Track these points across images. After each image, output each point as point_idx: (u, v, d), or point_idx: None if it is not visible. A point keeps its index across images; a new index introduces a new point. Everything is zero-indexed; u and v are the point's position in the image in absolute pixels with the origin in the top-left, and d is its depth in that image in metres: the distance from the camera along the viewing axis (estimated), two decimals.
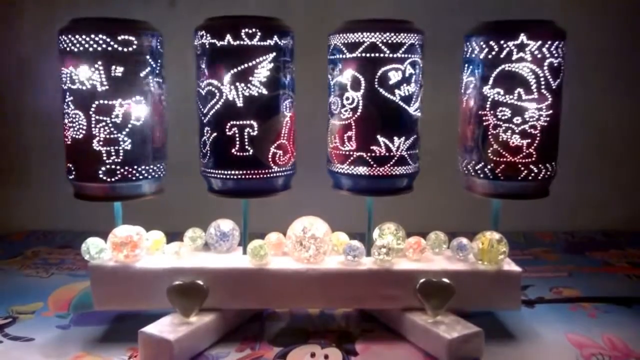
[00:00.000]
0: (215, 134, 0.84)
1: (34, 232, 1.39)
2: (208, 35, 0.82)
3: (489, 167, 0.85)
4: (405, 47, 0.83)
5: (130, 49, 0.81)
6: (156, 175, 0.87)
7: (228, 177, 0.85)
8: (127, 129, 0.83)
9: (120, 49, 0.81)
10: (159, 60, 0.86)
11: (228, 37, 0.81)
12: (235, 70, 0.82)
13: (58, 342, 0.85)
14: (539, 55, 0.82)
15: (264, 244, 0.86)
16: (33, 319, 0.93)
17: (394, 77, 0.84)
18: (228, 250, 0.91)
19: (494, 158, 0.85)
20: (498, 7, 1.19)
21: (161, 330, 0.79)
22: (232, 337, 0.86)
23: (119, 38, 0.80)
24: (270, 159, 0.85)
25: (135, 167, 0.84)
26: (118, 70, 0.81)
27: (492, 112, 0.84)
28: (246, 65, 0.81)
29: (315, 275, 0.85)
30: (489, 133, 0.84)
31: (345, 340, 0.85)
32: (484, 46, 0.83)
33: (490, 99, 0.84)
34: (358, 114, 0.85)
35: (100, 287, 0.85)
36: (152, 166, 0.86)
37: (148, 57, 0.83)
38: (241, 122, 0.83)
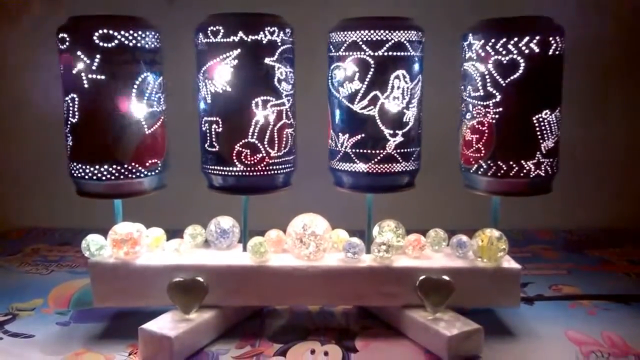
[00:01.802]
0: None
1: (34, 229, 1.39)
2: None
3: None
4: (346, 45, 0.84)
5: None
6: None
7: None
8: None
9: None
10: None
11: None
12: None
13: (58, 338, 0.85)
14: (483, 54, 0.84)
15: (264, 241, 0.86)
16: (33, 315, 0.93)
17: (339, 75, 0.85)
18: (228, 247, 0.91)
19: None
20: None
21: (161, 327, 0.79)
22: (232, 334, 0.86)
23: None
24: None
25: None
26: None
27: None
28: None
29: (315, 273, 0.85)
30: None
31: (345, 337, 0.85)
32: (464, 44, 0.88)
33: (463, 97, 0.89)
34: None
35: (100, 284, 0.85)
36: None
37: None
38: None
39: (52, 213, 1.38)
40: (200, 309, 0.83)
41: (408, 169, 0.87)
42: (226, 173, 0.85)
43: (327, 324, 0.89)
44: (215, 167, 0.86)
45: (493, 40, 0.83)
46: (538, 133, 0.84)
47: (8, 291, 1.02)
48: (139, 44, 0.82)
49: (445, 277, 0.83)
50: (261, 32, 0.82)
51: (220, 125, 0.84)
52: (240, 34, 0.81)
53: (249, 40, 0.82)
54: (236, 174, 0.85)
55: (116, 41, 0.80)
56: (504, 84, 0.83)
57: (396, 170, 0.86)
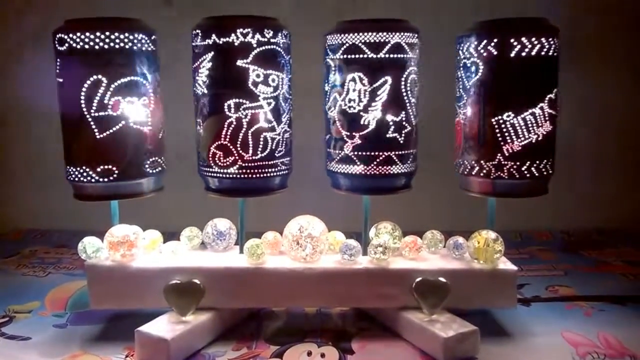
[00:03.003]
0: None
1: (31, 231, 1.39)
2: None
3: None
4: (332, 48, 0.85)
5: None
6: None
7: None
8: None
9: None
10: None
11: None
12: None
13: (55, 341, 0.85)
14: (461, 57, 0.86)
15: (261, 243, 0.86)
16: (30, 318, 0.93)
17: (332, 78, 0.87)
18: (225, 249, 0.91)
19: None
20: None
21: (158, 329, 0.79)
22: (229, 336, 0.86)
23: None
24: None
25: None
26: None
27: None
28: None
29: (311, 275, 0.85)
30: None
31: (341, 339, 0.85)
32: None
33: None
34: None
35: (97, 286, 0.85)
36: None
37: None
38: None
39: (49, 215, 1.38)
40: (197, 311, 0.83)
41: (367, 173, 0.86)
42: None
43: (323, 326, 0.89)
44: (208, 169, 0.86)
45: (467, 44, 0.86)
46: (498, 135, 0.85)
47: (5, 293, 1.02)
48: (86, 46, 0.81)
49: (442, 279, 0.84)
50: (233, 34, 0.81)
51: (201, 127, 0.86)
52: (213, 36, 0.82)
53: (221, 42, 0.82)
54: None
55: (66, 44, 0.81)
56: (468, 86, 0.86)
57: (352, 172, 0.87)
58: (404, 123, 0.86)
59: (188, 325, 0.81)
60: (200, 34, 0.83)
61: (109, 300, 0.86)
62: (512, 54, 0.82)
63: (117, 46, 0.81)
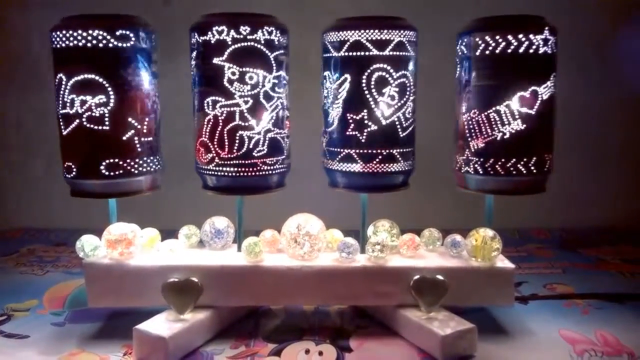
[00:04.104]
0: None
1: (29, 229, 1.39)
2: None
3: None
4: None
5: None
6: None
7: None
8: None
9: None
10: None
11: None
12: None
13: (53, 339, 0.85)
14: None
15: (259, 241, 0.86)
16: (28, 316, 0.93)
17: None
18: (223, 247, 0.91)
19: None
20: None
21: (156, 327, 0.79)
22: (227, 334, 0.86)
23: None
24: None
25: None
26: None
27: None
28: None
29: (309, 272, 0.85)
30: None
31: (339, 336, 0.85)
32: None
33: None
34: None
35: (95, 285, 0.85)
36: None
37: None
38: None
39: (47, 213, 1.38)
40: (195, 309, 0.83)
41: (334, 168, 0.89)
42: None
43: (321, 324, 0.89)
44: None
45: (459, 42, 0.88)
46: (467, 132, 0.87)
47: (3, 292, 1.02)
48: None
49: (440, 277, 0.84)
50: (209, 33, 0.82)
51: (195, 124, 0.87)
52: (195, 35, 0.84)
53: (200, 41, 0.83)
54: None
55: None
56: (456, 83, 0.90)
57: (326, 167, 0.91)
58: (365, 121, 0.85)
59: (186, 323, 0.81)
60: (190, 34, 0.85)
61: (107, 299, 0.86)
62: (477, 53, 0.84)
63: (75, 44, 0.80)
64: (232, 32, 0.81)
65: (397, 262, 0.86)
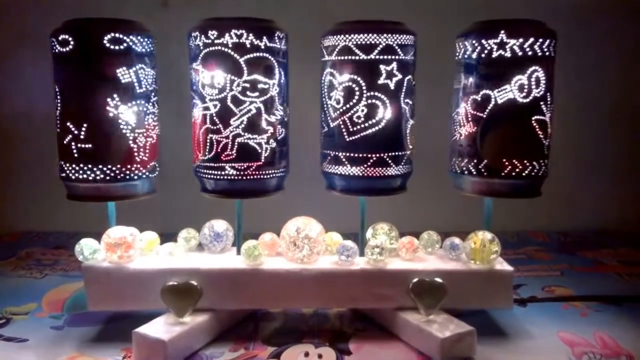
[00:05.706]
0: None
1: (28, 232, 1.39)
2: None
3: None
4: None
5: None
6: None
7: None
8: None
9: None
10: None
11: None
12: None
13: (52, 342, 0.85)
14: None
15: (258, 245, 0.86)
16: (27, 319, 0.93)
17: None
18: (222, 250, 0.91)
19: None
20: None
21: (155, 330, 0.79)
22: (226, 337, 0.86)
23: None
24: None
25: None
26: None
27: None
28: None
29: (309, 276, 0.85)
30: None
31: (338, 339, 0.85)
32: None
33: None
34: None
35: (94, 288, 0.85)
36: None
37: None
38: None
39: (46, 217, 1.38)
40: (194, 313, 0.83)
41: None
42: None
43: (320, 327, 0.89)
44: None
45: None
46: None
47: (2, 295, 1.02)
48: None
49: (438, 280, 0.84)
50: (191, 40, 0.84)
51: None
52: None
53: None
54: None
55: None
56: None
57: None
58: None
59: (185, 326, 0.81)
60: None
61: (106, 302, 0.86)
62: (459, 56, 0.88)
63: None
64: (203, 37, 0.83)
65: (396, 265, 0.86)
